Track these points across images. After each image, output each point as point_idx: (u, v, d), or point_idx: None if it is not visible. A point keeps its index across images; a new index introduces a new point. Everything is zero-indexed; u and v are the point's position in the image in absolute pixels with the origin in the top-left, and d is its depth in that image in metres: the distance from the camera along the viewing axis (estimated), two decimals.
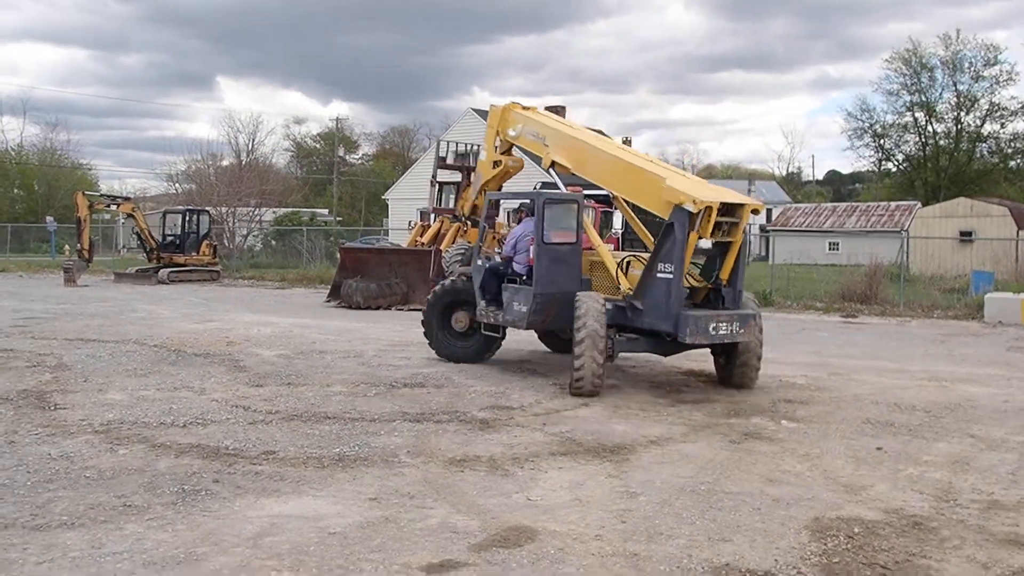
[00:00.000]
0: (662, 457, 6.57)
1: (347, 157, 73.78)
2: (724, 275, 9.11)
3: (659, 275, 8.87)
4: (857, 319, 18.06)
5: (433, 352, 11.11)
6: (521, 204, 11.14)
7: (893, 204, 48.33)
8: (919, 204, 45.12)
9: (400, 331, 14.43)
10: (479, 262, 10.64)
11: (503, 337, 10.85)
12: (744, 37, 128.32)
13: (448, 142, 12.54)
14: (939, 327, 16.58)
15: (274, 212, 42.06)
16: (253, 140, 47.98)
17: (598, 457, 6.51)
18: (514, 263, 10.32)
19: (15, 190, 54.08)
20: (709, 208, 8.47)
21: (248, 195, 37.73)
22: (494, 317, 10.30)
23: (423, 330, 11.14)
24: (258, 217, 39.02)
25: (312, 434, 7.01)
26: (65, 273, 25.27)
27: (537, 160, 11.49)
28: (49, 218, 41.80)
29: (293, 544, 4.59)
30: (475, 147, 12.99)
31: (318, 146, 74.12)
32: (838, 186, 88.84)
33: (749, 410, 8.35)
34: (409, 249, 21.16)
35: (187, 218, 28.06)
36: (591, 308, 8.82)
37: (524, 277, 10.04)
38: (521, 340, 12.20)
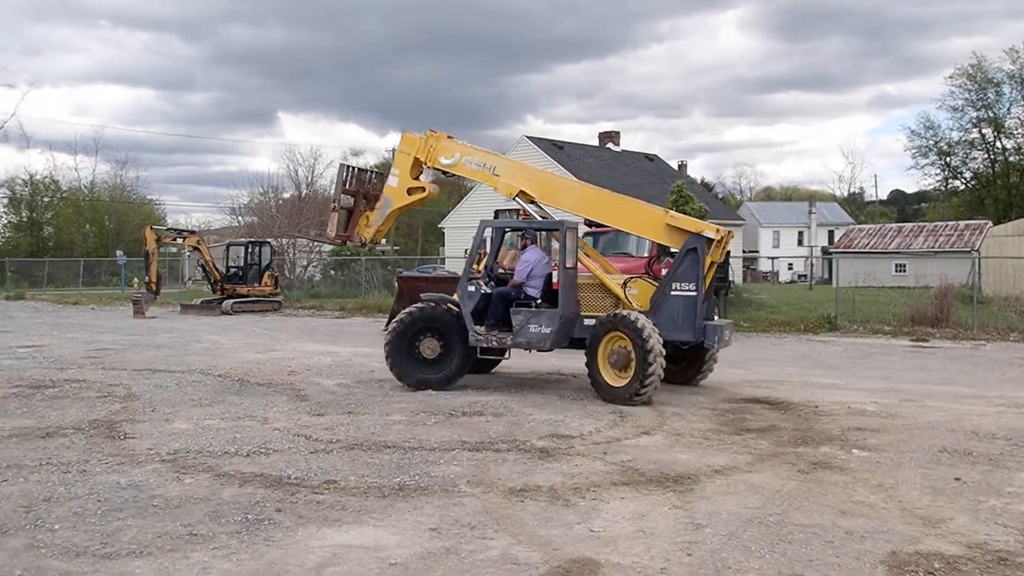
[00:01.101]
0: (727, 487, 6.42)
1: None
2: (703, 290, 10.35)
3: (674, 293, 10.28)
4: (928, 343, 17.57)
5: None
6: (525, 232, 11.64)
7: (962, 223, 47.00)
8: (990, 223, 43.82)
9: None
10: (471, 288, 10.82)
11: (503, 358, 11.47)
12: (799, 57, 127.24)
13: (350, 167, 12.58)
14: (1017, 351, 16.04)
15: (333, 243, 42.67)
16: (312, 172, 48.94)
17: (661, 487, 6.39)
18: (528, 288, 10.85)
19: (87, 225, 55.84)
20: (723, 237, 10.36)
21: (308, 226, 38.39)
22: (499, 341, 10.62)
23: (389, 360, 10.89)
24: (318, 248, 39.62)
25: (372, 463, 7.02)
26: (134, 305, 25.92)
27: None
28: (119, 252, 43.05)
29: (355, 575, 4.57)
30: (373, 172, 12.89)
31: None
32: (902, 206, 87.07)
33: (817, 438, 8.14)
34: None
35: (249, 250, 28.62)
36: (648, 325, 9.89)
37: (539, 301, 10.74)
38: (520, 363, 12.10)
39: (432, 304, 10.94)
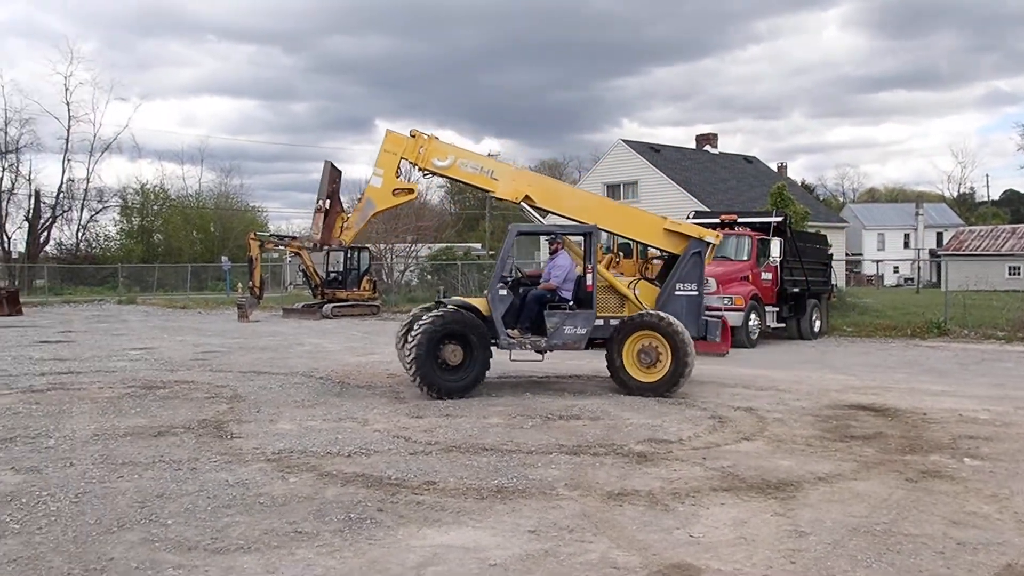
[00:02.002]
0: (832, 495, 6.24)
1: None
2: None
3: (678, 292, 11.38)
4: None
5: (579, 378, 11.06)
6: (556, 236, 11.56)
7: None
8: None
9: (553, 362, 14.43)
10: (503, 292, 10.89)
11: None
12: (906, 55, 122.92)
13: (331, 164, 12.01)
14: None
15: (429, 247, 43.28)
16: (408, 179, 49.64)
17: (762, 494, 6.25)
18: (563, 291, 11.10)
19: (194, 232, 58.05)
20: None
21: (405, 232, 39.04)
22: (533, 344, 10.91)
23: (414, 367, 10.39)
24: (414, 253, 40.26)
25: (471, 465, 7.08)
26: (239, 309, 26.84)
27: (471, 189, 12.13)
28: (224, 258, 44.64)
29: (455, 575, 4.62)
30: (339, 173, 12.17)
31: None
32: (1016, 206, 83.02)
33: (926, 446, 7.83)
34: None
35: (348, 255, 29.27)
36: (680, 324, 10.79)
37: (572, 303, 11.07)
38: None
39: (454, 309, 10.78)
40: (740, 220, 19.77)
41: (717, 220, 20.17)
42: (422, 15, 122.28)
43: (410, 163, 11.46)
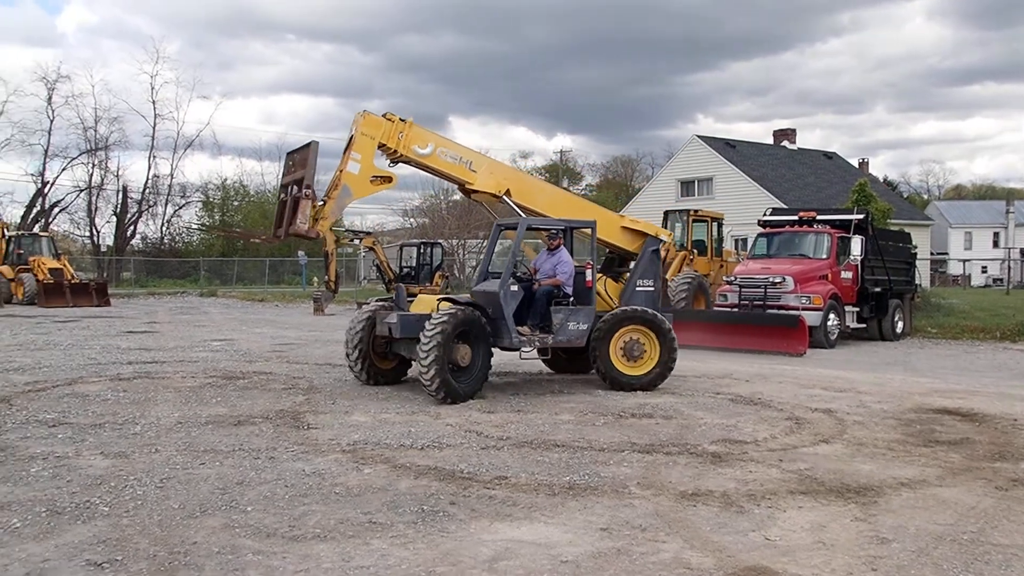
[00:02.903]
0: (915, 501, 6.05)
1: (571, 188, 75.02)
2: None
3: (639, 288, 11.51)
4: None
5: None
6: (558, 231, 11.14)
7: None
8: None
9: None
10: (514, 288, 10.48)
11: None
12: (995, 46, 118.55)
13: (292, 152, 11.23)
14: None
15: (501, 243, 43.40)
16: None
17: (842, 498, 6.10)
18: (566, 287, 10.87)
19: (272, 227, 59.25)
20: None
21: (477, 227, 39.24)
22: (541, 341, 10.60)
23: (433, 371, 9.55)
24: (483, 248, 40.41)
25: (542, 461, 7.08)
26: (315, 303, 27.37)
27: (446, 180, 11.67)
28: (300, 252, 45.51)
29: (527, 570, 4.62)
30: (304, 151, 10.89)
31: (543, 178, 75.91)
32: None
33: (1017, 454, 7.54)
34: None
35: (421, 250, 29.57)
36: (664, 318, 11.11)
37: (572, 299, 10.84)
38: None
39: (463, 307, 10.11)
40: (819, 217, 19.33)
41: (795, 217, 19.78)
42: (495, 13, 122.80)
43: (386, 151, 10.71)
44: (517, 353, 10.99)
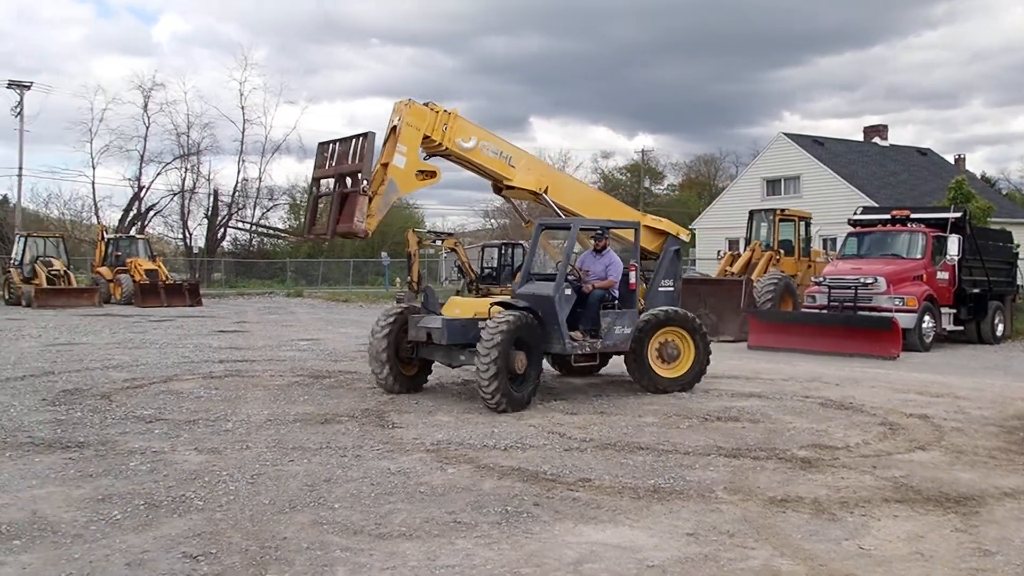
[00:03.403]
0: (1020, 512, 5.78)
1: (652, 188, 74.30)
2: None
3: (661, 289, 11.29)
4: None
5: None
6: (604, 231, 10.67)
7: None
8: None
9: (711, 363, 14.11)
10: (568, 292, 9.96)
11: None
12: None
13: (328, 142, 10.24)
14: None
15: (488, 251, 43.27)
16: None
17: (940, 507, 5.87)
18: (613, 289, 10.49)
19: None
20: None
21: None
22: (591, 346, 10.10)
23: (494, 382, 8.99)
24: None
25: (626, 464, 7.01)
26: (397, 303, 27.67)
27: (486, 176, 10.89)
28: (384, 253, 46.21)
29: (613, 573, 4.57)
30: (356, 142, 9.82)
31: (624, 178, 75.38)
32: None
33: None
34: (719, 279, 20.78)
35: (502, 251, 29.65)
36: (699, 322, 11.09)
37: (617, 302, 10.49)
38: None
39: (521, 312, 9.49)
40: (913, 216, 18.69)
41: (887, 216, 19.18)
42: (577, 13, 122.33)
43: (428, 144, 10.06)
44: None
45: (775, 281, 19.54)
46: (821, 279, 17.83)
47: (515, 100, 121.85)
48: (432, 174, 10.18)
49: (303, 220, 58.49)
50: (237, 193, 55.94)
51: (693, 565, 4.72)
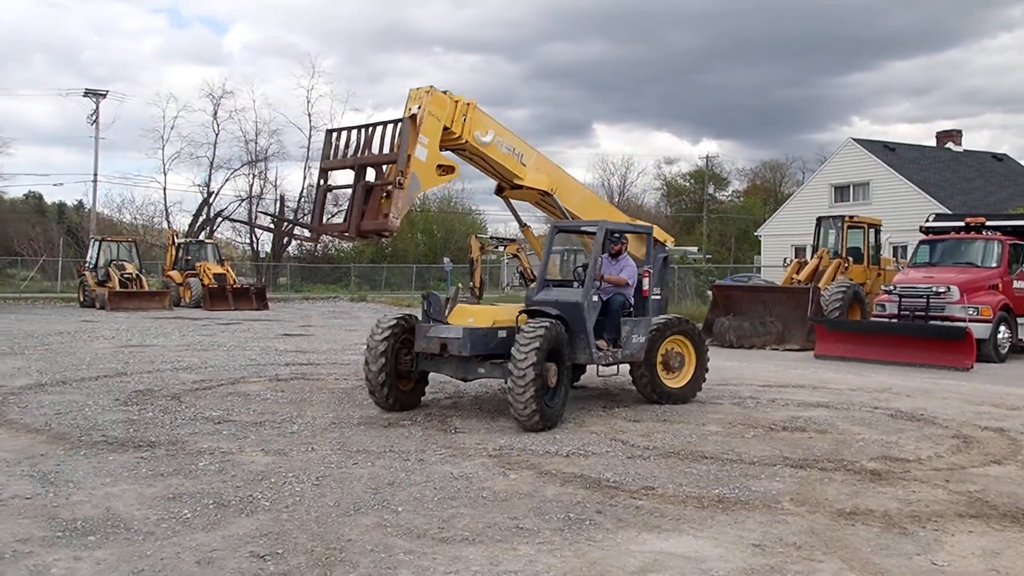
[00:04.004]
0: None
1: (716, 194, 73.49)
2: None
3: (654, 297, 10.58)
4: None
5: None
6: (622, 234, 10.23)
7: None
8: None
9: (775, 371, 13.90)
10: (595, 299, 9.42)
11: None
12: None
13: (340, 130, 9.36)
14: None
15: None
16: (625, 181, 49.82)
17: (1018, 523, 5.68)
18: (631, 296, 10.07)
19: (419, 234, 61.01)
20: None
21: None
22: (613, 356, 9.62)
23: (527, 395, 8.24)
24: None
25: (690, 472, 6.93)
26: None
27: (495, 176, 10.20)
28: (446, 259, 46.50)
29: None
30: (374, 130, 9.03)
31: (687, 184, 74.71)
32: None
33: None
34: (785, 287, 20.45)
35: (565, 257, 29.64)
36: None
37: (631, 309, 10.05)
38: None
39: (553, 321, 8.81)
40: (989, 223, 18.13)
41: (961, 223, 18.65)
42: (640, 18, 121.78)
43: (446, 138, 9.24)
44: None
45: (843, 289, 19.16)
46: (891, 287, 17.40)
47: (577, 106, 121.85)
48: (451, 169, 9.30)
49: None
50: (303, 199, 56.96)
51: None
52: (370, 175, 9.05)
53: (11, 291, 37.59)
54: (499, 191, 10.64)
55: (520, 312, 9.29)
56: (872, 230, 21.94)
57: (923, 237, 18.93)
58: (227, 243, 55.86)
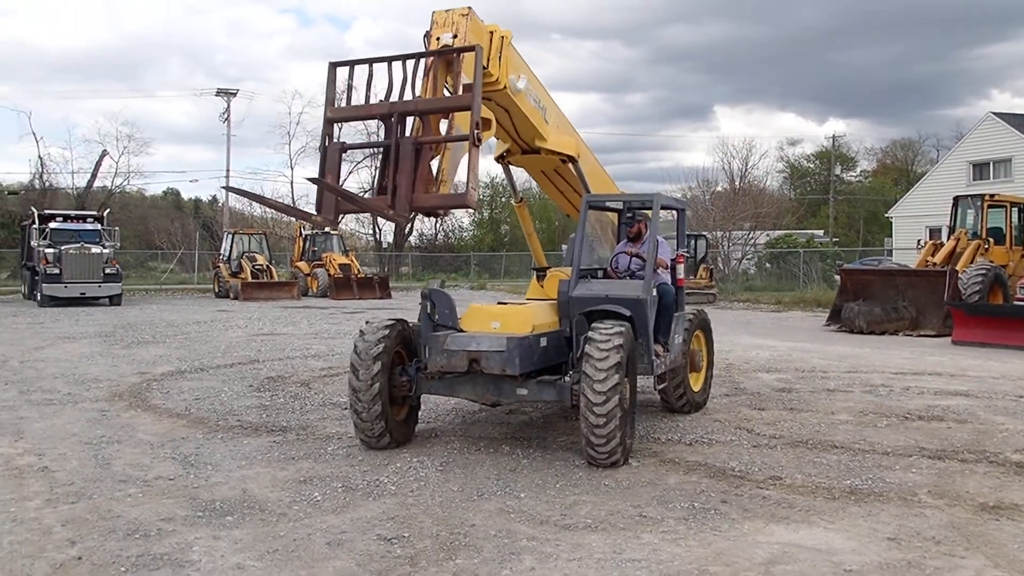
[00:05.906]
0: None
1: (843, 175, 70.71)
2: None
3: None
4: None
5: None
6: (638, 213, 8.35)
7: None
8: None
9: (910, 359, 13.31)
10: (653, 292, 7.54)
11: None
12: None
13: (353, 63, 6.59)
14: None
15: (768, 235, 41.88)
16: (746, 164, 48.56)
17: None
18: (665, 272, 8.02)
19: (537, 223, 61.16)
20: None
21: (742, 219, 38.12)
22: (665, 363, 7.75)
23: (610, 427, 6.24)
24: (752, 240, 39.16)
25: (819, 463, 6.71)
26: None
27: (510, 135, 7.85)
28: (565, 247, 46.52)
29: None
30: (434, 64, 6.41)
31: (812, 166, 72.15)
32: None
33: None
34: (919, 270, 19.56)
35: (685, 243, 29.16)
36: None
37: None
38: None
39: (626, 327, 6.67)
40: None
41: None
42: None
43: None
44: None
45: (983, 272, 18.13)
46: None
47: (698, 89, 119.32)
48: (488, 123, 6.47)
49: (488, 215, 59.70)
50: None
51: (895, 572, 4.45)
52: (418, 126, 6.45)
53: (152, 283, 39.78)
54: (501, 157, 8.41)
55: (581, 313, 7.12)
56: (1015, 209, 20.70)
57: None
58: (351, 234, 57.47)
